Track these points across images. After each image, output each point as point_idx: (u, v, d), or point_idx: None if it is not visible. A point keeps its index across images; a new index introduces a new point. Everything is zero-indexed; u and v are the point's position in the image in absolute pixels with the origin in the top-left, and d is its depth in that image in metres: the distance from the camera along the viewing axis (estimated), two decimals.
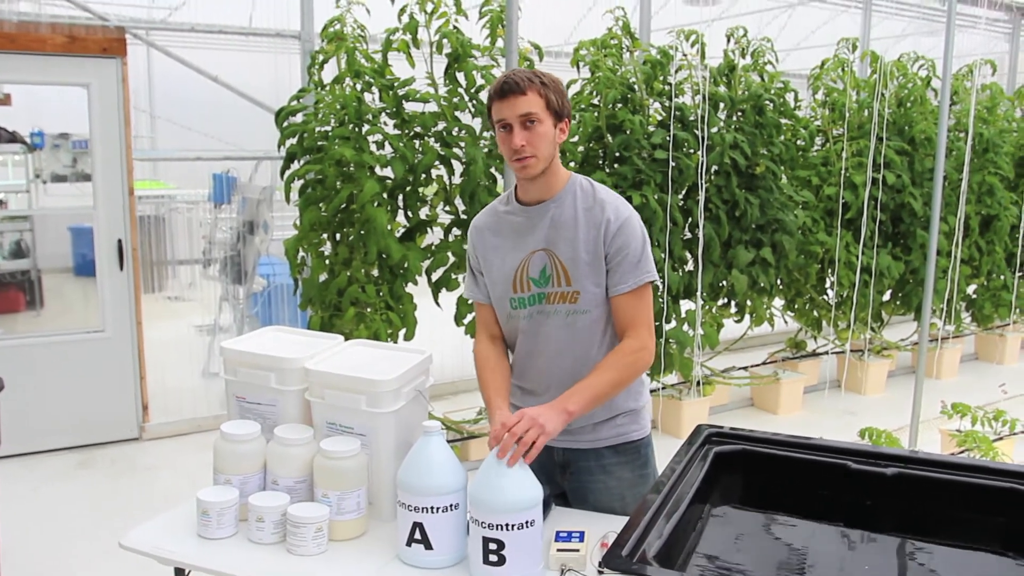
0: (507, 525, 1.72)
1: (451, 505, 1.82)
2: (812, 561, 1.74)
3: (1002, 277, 6.89)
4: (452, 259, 4.12)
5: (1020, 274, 7.15)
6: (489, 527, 1.72)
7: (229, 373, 2.20)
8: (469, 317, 4.14)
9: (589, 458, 2.20)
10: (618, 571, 1.42)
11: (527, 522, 1.73)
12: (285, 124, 4.05)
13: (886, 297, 6.47)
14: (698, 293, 4.75)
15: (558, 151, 2.09)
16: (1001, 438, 4.62)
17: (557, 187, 2.11)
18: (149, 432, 5.09)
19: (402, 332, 4.04)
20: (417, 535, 1.83)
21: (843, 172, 5.65)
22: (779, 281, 5.53)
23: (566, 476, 2.24)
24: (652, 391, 4.86)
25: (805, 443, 2.01)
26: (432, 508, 1.81)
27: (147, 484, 4.44)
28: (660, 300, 4.71)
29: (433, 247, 4.16)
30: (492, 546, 1.73)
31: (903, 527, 1.85)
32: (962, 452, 4.23)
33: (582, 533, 1.90)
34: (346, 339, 2.33)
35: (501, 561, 1.73)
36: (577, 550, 1.84)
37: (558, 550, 1.84)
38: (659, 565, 1.48)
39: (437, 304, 4.22)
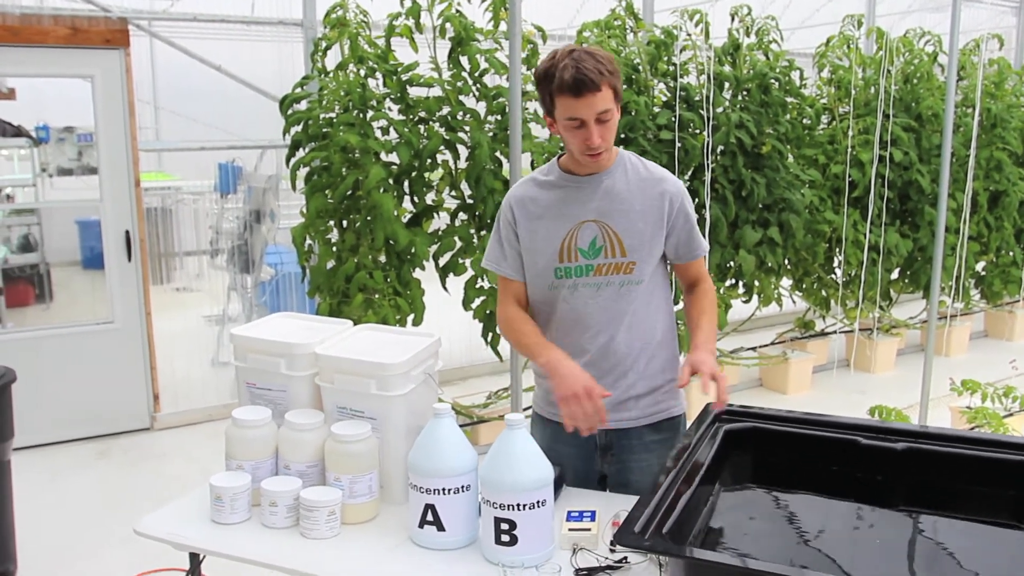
0: (519, 505, 1.72)
1: (463, 487, 1.83)
2: (824, 536, 1.74)
3: (1011, 253, 6.86)
4: (459, 244, 4.12)
5: None
6: (501, 507, 1.73)
7: (239, 360, 2.21)
8: (478, 301, 4.15)
9: (631, 437, 2.20)
10: (630, 547, 1.43)
11: (538, 502, 1.74)
12: (289, 112, 4.05)
13: (895, 275, 6.44)
14: None
15: None
16: (1011, 414, 4.61)
17: (610, 160, 2.12)
18: (160, 422, 5.12)
19: (410, 318, 4.05)
20: (429, 517, 1.83)
21: (849, 150, 5.62)
22: (786, 261, 5.51)
23: (608, 458, 2.23)
24: None
25: (815, 419, 2.01)
26: (444, 490, 1.81)
27: (160, 473, 4.48)
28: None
29: (440, 232, 4.16)
30: (504, 526, 1.74)
31: (914, 501, 1.85)
32: (972, 429, 4.23)
33: (593, 512, 1.91)
34: (355, 325, 2.33)
35: (513, 541, 1.74)
36: (588, 529, 1.85)
37: (570, 529, 1.85)
38: (671, 541, 1.49)
39: (445, 289, 4.23)
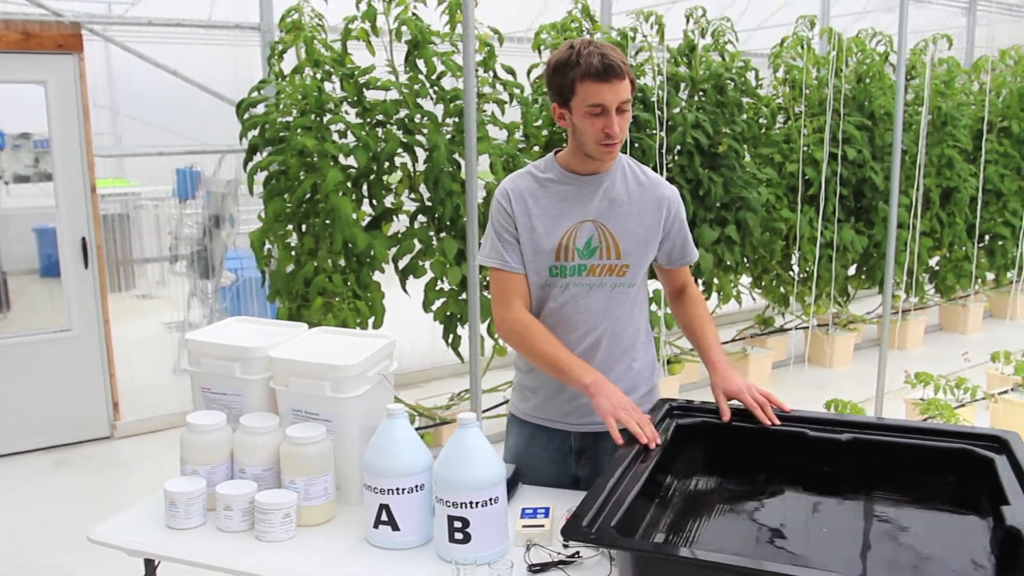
0: (471, 503, 1.74)
1: (416, 486, 1.84)
2: (772, 526, 1.78)
3: (963, 248, 7.01)
4: (418, 246, 4.13)
5: (980, 245, 7.28)
6: (453, 506, 1.75)
7: (194, 364, 2.20)
8: (438, 303, 4.16)
9: (608, 440, 2.11)
10: (577, 540, 1.45)
11: (491, 499, 1.76)
12: (246, 116, 4.04)
13: (852, 271, 6.56)
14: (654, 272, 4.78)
15: None
16: (963, 405, 4.72)
17: (611, 162, 2.13)
18: (121, 430, 5.07)
19: (371, 321, 4.05)
20: (384, 517, 1.85)
21: (802, 149, 5.71)
22: (744, 259, 5.59)
23: (582, 462, 2.23)
24: None
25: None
26: (398, 489, 1.83)
27: (120, 481, 4.44)
28: None
29: (399, 235, 4.16)
30: (457, 524, 1.75)
31: (860, 490, 1.90)
32: (925, 420, 4.32)
33: (547, 509, 1.93)
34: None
35: (467, 539, 1.76)
36: (542, 525, 1.87)
37: (523, 526, 1.87)
38: (619, 534, 1.52)
39: (405, 291, 4.24)
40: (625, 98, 1.97)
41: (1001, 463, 1.80)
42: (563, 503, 1.97)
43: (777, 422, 2.01)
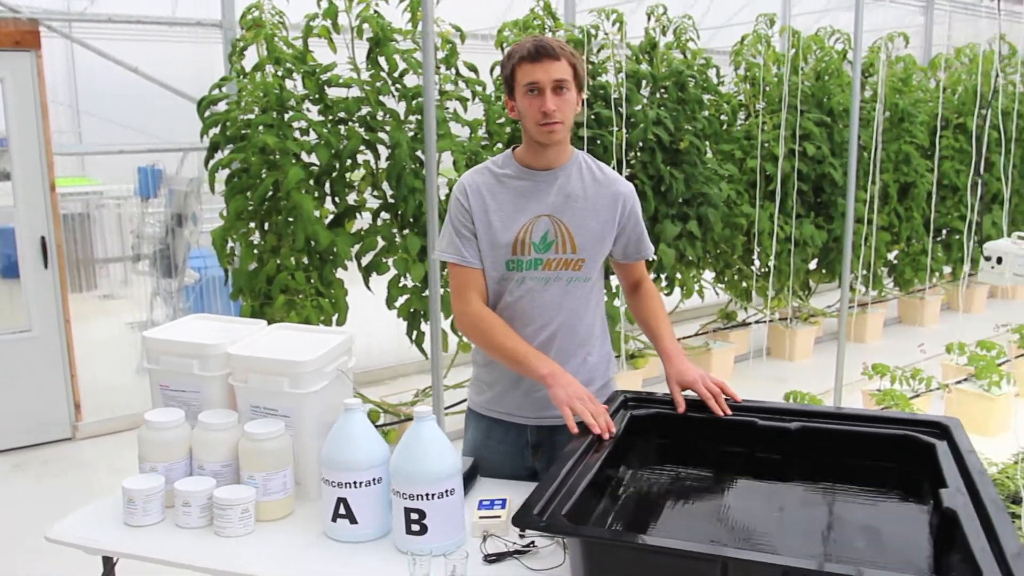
0: (427, 495, 1.77)
1: (374, 479, 1.86)
2: (723, 514, 1.82)
3: (921, 242, 7.14)
4: (382, 243, 4.14)
5: (937, 239, 7.42)
6: (410, 498, 1.77)
7: (152, 362, 2.21)
8: (401, 300, 4.17)
9: (564, 433, 2.13)
10: (528, 528, 1.48)
11: (447, 491, 1.78)
12: (207, 113, 4.02)
13: (813, 265, 6.66)
14: None
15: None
16: (918, 395, 4.82)
17: (565, 157, 2.17)
18: (83, 431, 5.03)
19: (335, 318, 4.05)
20: (342, 510, 1.87)
21: (760, 145, 5.79)
22: (706, 254, 5.66)
23: (539, 455, 2.27)
24: None
25: None
26: (355, 483, 1.85)
27: (82, 483, 4.40)
28: None
29: (362, 232, 4.17)
30: (414, 516, 1.78)
31: (808, 477, 1.95)
32: (882, 410, 4.41)
33: (504, 500, 1.96)
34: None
35: (423, 530, 1.78)
36: (499, 516, 1.90)
37: (480, 517, 1.90)
38: (571, 523, 1.55)
39: (368, 288, 4.25)
40: (559, 77, 2.02)
41: (942, 448, 1.86)
42: (520, 495, 1.98)
43: (729, 412, 2.06)
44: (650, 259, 2.35)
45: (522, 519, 1.49)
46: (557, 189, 2.15)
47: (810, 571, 1.40)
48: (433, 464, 1.77)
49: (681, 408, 2.09)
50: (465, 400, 2.33)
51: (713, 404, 2.07)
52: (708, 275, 6.15)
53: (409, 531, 1.79)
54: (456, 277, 2.19)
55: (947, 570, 1.54)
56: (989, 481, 1.65)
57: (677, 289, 5.63)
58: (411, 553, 1.73)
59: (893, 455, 1.93)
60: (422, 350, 4.28)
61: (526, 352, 2.09)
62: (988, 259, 3.87)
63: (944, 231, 7.46)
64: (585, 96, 2.17)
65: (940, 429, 1.92)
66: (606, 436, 1.91)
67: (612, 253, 2.26)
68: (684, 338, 6.27)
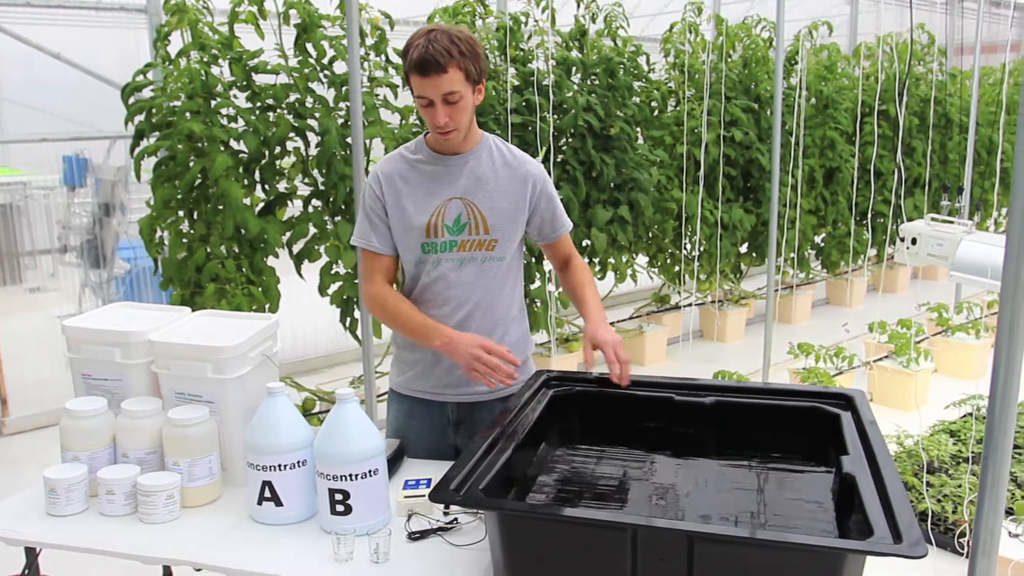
0: (351, 476, 1.80)
1: (299, 462, 1.89)
2: (640, 487, 1.89)
3: (846, 226, 7.36)
4: (313, 230, 4.13)
5: (862, 222, 7.65)
6: (334, 479, 1.80)
7: (72, 351, 2.19)
8: (334, 287, 4.17)
9: (483, 411, 2.28)
10: (444, 502, 1.53)
11: (370, 471, 1.81)
12: (132, 100, 3.96)
13: (744, 249, 6.81)
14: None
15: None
16: (841, 372, 4.99)
17: (474, 141, 2.21)
18: (10, 427, 4.92)
19: (267, 306, 4.03)
20: (267, 493, 1.89)
21: (689, 131, 5.90)
22: (638, 238, 5.75)
23: (460, 432, 2.32)
24: None
25: (634, 380, 2.16)
26: (280, 466, 1.87)
27: (11, 479, 4.31)
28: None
29: (294, 219, 4.15)
30: (338, 496, 1.81)
31: (722, 449, 2.03)
32: None
33: (429, 480, 2.00)
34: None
35: (348, 510, 1.81)
36: (423, 495, 1.94)
37: (405, 496, 1.94)
38: (488, 496, 1.59)
39: (300, 276, 4.24)
40: (448, 90, 2.02)
41: (846, 418, 1.95)
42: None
43: (626, 383, 2.12)
44: (566, 231, 2.37)
45: (439, 494, 1.53)
46: (468, 172, 2.20)
47: (714, 535, 1.47)
48: (356, 445, 1.80)
49: (589, 362, 2.14)
50: None
51: (615, 370, 2.11)
52: (642, 260, 6.25)
53: (334, 511, 1.82)
54: (365, 261, 2.28)
55: (847, 531, 1.63)
56: (886, 448, 1.74)
57: (611, 274, 5.73)
58: (335, 533, 1.76)
59: (802, 426, 2.02)
60: (356, 337, 4.28)
61: (423, 325, 2.17)
62: (903, 240, 4.03)
63: (868, 214, 7.69)
64: (485, 82, 2.18)
65: (845, 400, 2.02)
66: (509, 383, 2.10)
67: (528, 233, 2.31)
68: (618, 322, 6.37)
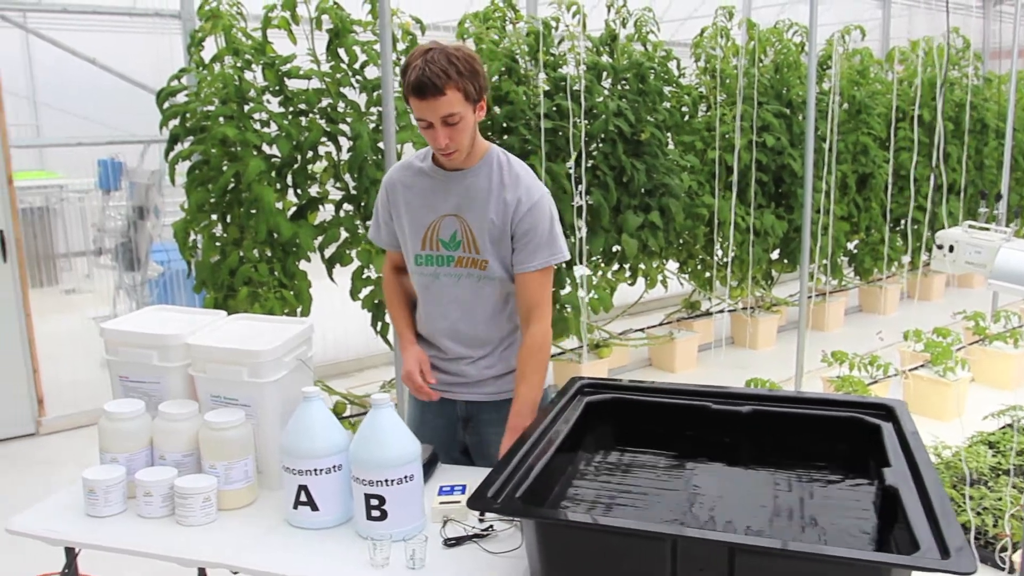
0: (387, 481, 1.79)
1: (334, 466, 1.89)
2: (676, 496, 1.87)
3: (880, 232, 7.27)
4: (344, 235, 4.14)
5: (895, 228, 7.55)
6: (370, 484, 1.80)
7: (111, 354, 2.21)
8: (365, 291, 4.18)
9: (490, 411, 2.30)
10: (482, 510, 1.52)
11: (406, 477, 1.81)
12: (166, 105, 4.00)
13: (775, 255, 6.76)
14: (581, 258, 4.86)
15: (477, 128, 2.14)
16: (876, 381, 4.92)
17: (476, 158, 2.18)
18: (46, 426, 4.98)
19: (299, 310, 4.05)
20: (303, 497, 1.89)
21: (721, 136, 5.86)
22: (669, 244, 5.72)
23: (468, 429, 2.35)
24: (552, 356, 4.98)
25: (670, 388, 2.15)
26: (315, 470, 1.87)
27: (46, 478, 4.36)
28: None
29: (325, 224, 4.17)
30: (374, 502, 1.81)
31: (760, 459, 2.01)
32: None
33: (464, 486, 2.00)
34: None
35: (383, 516, 1.81)
36: (458, 502, 1.94)
37: (440, 503, 1.94)
38: (525, 504, 1.59)
39: (332, 280, 4.25)
40: (447, 112, 2.00)
41: (887, 429, 1.92)
42: (479, 480, 2.03)
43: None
44: (531, 270, 2.17)
45: (477, 501, 1.52)
46: (463, 190, 2.18)
47: (755, 547, 1.45)
48: (392, 450, 1.80)
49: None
50: None
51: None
52: (671, 265, 6.22)
53: (370, 517, 1.82)
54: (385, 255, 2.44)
55: (890, 545, 1.60)
56: (929, 460, 1.71)
57: (641, 279, 5.70)
58: (371, 538, 1.76)
59: (842, 437, 1.99)
60: (387, 341, 4.30)
61: (400, 330, 2.37)
62: (940, 247, 3.96)
63: (902, 221, 7.59)
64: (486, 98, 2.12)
65: (886, 411, 1.99)
66: (423, 397, 2.27)
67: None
68: (648, 328, 6.34)
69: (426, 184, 2.22)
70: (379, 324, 4.27)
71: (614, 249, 5.28)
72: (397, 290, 2.39)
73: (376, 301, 4.20)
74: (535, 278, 2.18)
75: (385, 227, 2.32)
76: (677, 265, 6.29)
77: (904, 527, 1.51)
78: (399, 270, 2.39)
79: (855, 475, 1.92)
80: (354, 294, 4.18)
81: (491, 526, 1.84)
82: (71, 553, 2.01)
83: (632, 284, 5.66)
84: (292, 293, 3.98)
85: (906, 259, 7.94)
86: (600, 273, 5.30)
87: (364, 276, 4.15)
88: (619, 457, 2.05)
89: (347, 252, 4.17)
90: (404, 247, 2.29)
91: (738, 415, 2.05)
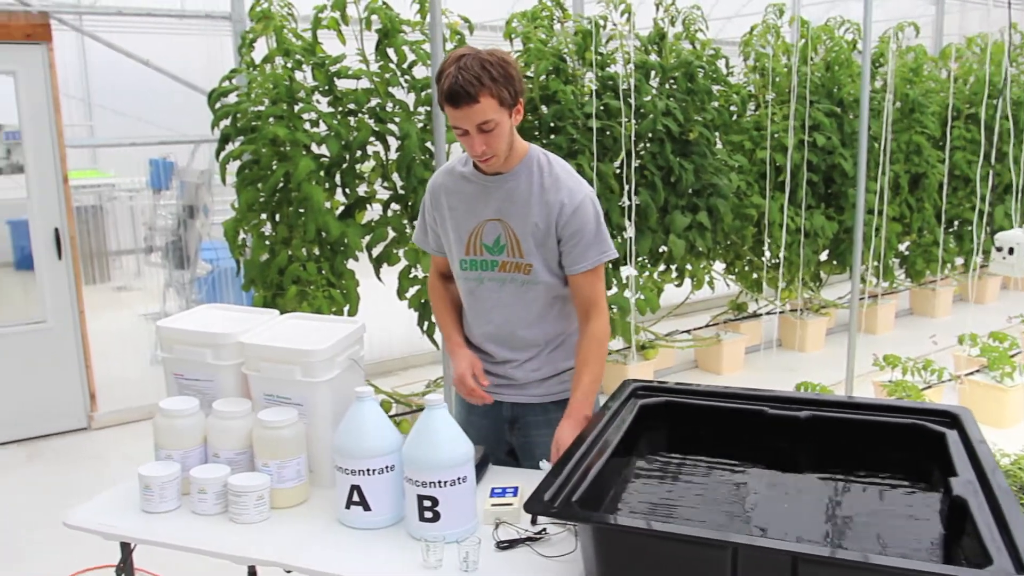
0: (440, 482, 1.78)
1: (387, 467, 1.88)
2: (732, 501, 1.83)
3: (932, 233, 7.11)
4: (392, 234, 4.16)
5: (949, 230, 7.39)
6: (423, 485, 1.79)
7: (166, 351, 2.23)
8: (412, 291, 4.19)
9: (537, 413, 2.29)
10: (539, 514, 1.50)
11: (459, 478, 1.80)
12: (218, 105, 4.04)
13: (823, 257, 6.65)
14: (628, 259, 4.83)
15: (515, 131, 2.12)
16: (930, 386, 4.81)
17: (515, 161, 2.15)
18: (98, 421, 5.07)
19: (346, 309, 4.07)
20: (355, 497, 1.89)
21: (770, 136, 5.78)
22: (717, 244, 5.65)
23: (515, 431, 2.33)
24: None
25: (725, 392, 2.11)
26: (368, 470, 1.87)
27: (97, 472, 4.44)
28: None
29: (373, 223, 4.19)
30: (427, 503, 1.80)
31: (818, 465, 1.96)
32: None
33: (516, 488, 1.98)
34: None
35: (436, 517, 1.80)
36: (511, 504, 1.92)
37: (492, 505, 1.92)
38: (581, 508, 1.56)
39: (379, 279, 4.27)
40: (481, 120, 1.97)
41: (952, 437, 1.86)
42: (532, 483, 2.01)
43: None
44: (584, 270, 2.16)
45: (534, 505, 1.50)
46: (505, 194, 2.15)
47: (820, 557, 1.41)
48: (445, 452, 1.79)
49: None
50: None
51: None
52: (719, 266, 6.15)
53: (422, 518, 1.81)
54: (431, 260, 2.44)
55: (957, 558, 1.55)
56: (999, 470, 1.65)
57: (688, 280, 5.64)
58: (424, 540, 1.75)
59: (904, 444, 1.94)
60: (433, 340, 4.30)
61: (448, 334, 2.34)
62: (1000, 250, 3.85)
63: (956, 222, 7.42)
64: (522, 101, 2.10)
65: (950, 418, 1.93)
66: (476, 401, 2.25)
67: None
68: (695, 329, 6.27)
69: (468, 189, 2.20)
70: (425, 323, 4.28)
71: (661, 250, 5.23)
72: (443, 295, 2.38)
73: (423, 300, 4.20)
74: (587, 278, 2.17)
75: (431, 231, 2.32)
76: (723, 266, 6.22)
77: (974, 539, 1.46)
78: (444, 277, 2.38)
79: (918, 484, 1.86)
80: (401, 293, 4.19)
81: (544, 529, 1.82)
82: (127, 548, 2.03)
83: (679, 285, 5.60)
84: (340, 292, 4.00)
85: (959, 261, 7.77)
86: (647, 274, 5.25)
87: (411, 276, 4.16)
88: (673, 461, 2.01)
89: (394, 251, 4.18)
90: (448, 252, 2.28)
91: (796, 420, 2.01)
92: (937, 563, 1.53)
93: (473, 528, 1.85)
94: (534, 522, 1.85)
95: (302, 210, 3.90)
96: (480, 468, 2.11)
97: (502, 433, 2.35)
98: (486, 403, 2.25)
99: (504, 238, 2.17)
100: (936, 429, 1.90)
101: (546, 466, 2.07)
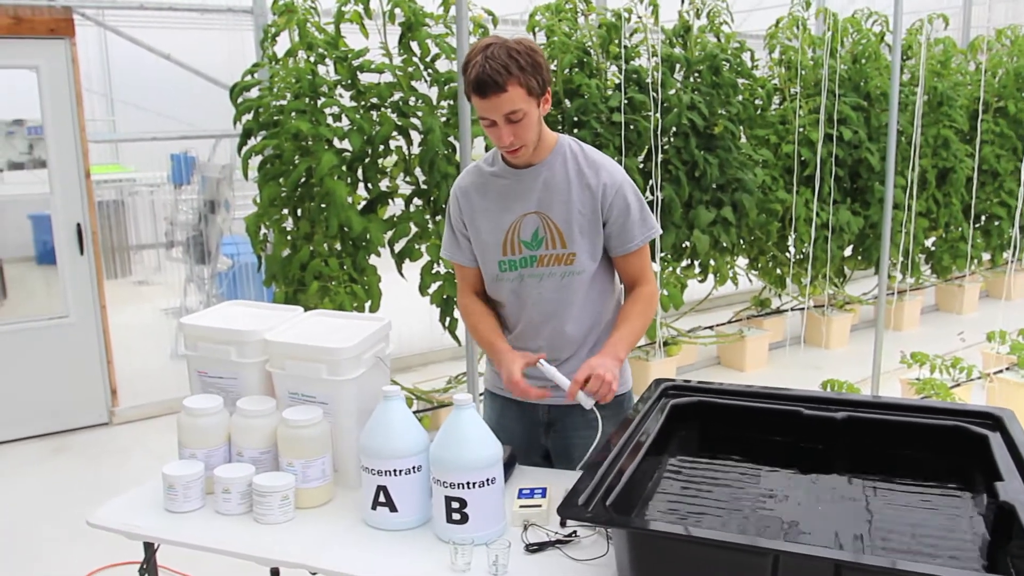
0: (468, 484, 1.75)
1: (414, 467, 1.85)
2: (768, 504, 1.79)
3: (959, 229, 7.01)
4: (414, 230, 4.13)
5: (976, 225, 7.28)
6: (451, 486, 1.75)
7: (190, 349, 2.21)
8: (434, 287, 4.16)
9: (576, 414, 2.20)
10: (573, 519, 1.46)
11: (488, 480, 1.76)
12: (240, 100, 4.02)
13: (848, 252, 6.56)
14: (653, 254, 4.78)
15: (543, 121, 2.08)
16: (959, 384, 4.73)
17: (546, 151, 2.11)
18: (119, 416, 5.08)
19: (368, 304, 4.05)
20: (382, 498, 1.85)
21: (798, 130, 5.70)
22: (741, 240, 5.59)
23: (550, 435, 2.28)
24: None
25: (758, 392, 2.06)
26: (395, 471, 1.83)
27: (119, 467, 4.45)
28: None
29: (395, 218, 4.16)
30: (455, 505, 1.76)
31: (855, 468, 1.91)
32: (922, 399, 4.34)
33: (544, 489, 1.94)
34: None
35: (464, 519, 1.76)
36: (539, 506, 1.88)
37: (521, 506, 1.88)
38: (615, 513, 1.52)
39: (401, 275, 4.24)
40: (510, 110, 1.94)
41: (995, 440, 1.81)
42: (560, 484, 1.97)
43: (572, 401, 2.01)
44: (635, 248, 2.15)
45: (567, 510, 1.46)
46: (542, 185, 2.11)
47: (865, 566, 1.36)
48: (474, 453, 1.76)
49: (569, 395, 2.02)
50: None
51: (572, 387, 2.00)
52: (742, 261, 6.08)
53: (450, 520, 1.77)
54: (456, 271, 2.32)
55: (1005, 565, 1.49)
56: None
57: (711, 275, 5.57)
58: (453, 542, 1.71)
59: (944, 446, 1.88)
60: (455, 336, 4.27)
61: (491, 345, 2.20)
62: None
63: (984, 217, 7.31)
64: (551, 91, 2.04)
65: (993, 420, 1.88)
66: (532, 398, 2.11)
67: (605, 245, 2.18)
68: (718, 325, 6.21)
69: (500, 186, 2.15)
70: (447, 320, 4.25)
71: (684, 245, 5.17)
72: (480, 310, 2.26)
73: (444, 296, 4.17)
74: (636, 256, 2.17)
75: (461, 238, 2.22)
76: (747, 262, 6.14)
77: (1023, 547, 1.41)
78: (476, 293, 2.28)
79: (960, 488, 1.81)
80: (423, 289, 4.16)
81: (574, 532, 1.78)
82: (150, 548, 2.01)
83: (703, 281, 5.54)
84: (362, 288, 3.97)
85: (986, 256, 7.66)
86: (670, 269, 5.19)
87: (433, 271, 4.13)
88: (706, 463, 1.97)
89: (416, 247, 4.14)
90: (482, 258, 2.20)
91: (832, 421, 1.96)
92: (984, 572, 1.48)
93: (502, 530, 1.81)
94: (563, 524, 1.81)
95: (324, 205, 3.88)
96: (507, 467, 2.07)
97: (537, 436, 2.29)
98: (544, 398, 2.13)
99: (543, 230, 2.11)
100: (978, 431, 1.85)
101: (586, 400, 2.00)
